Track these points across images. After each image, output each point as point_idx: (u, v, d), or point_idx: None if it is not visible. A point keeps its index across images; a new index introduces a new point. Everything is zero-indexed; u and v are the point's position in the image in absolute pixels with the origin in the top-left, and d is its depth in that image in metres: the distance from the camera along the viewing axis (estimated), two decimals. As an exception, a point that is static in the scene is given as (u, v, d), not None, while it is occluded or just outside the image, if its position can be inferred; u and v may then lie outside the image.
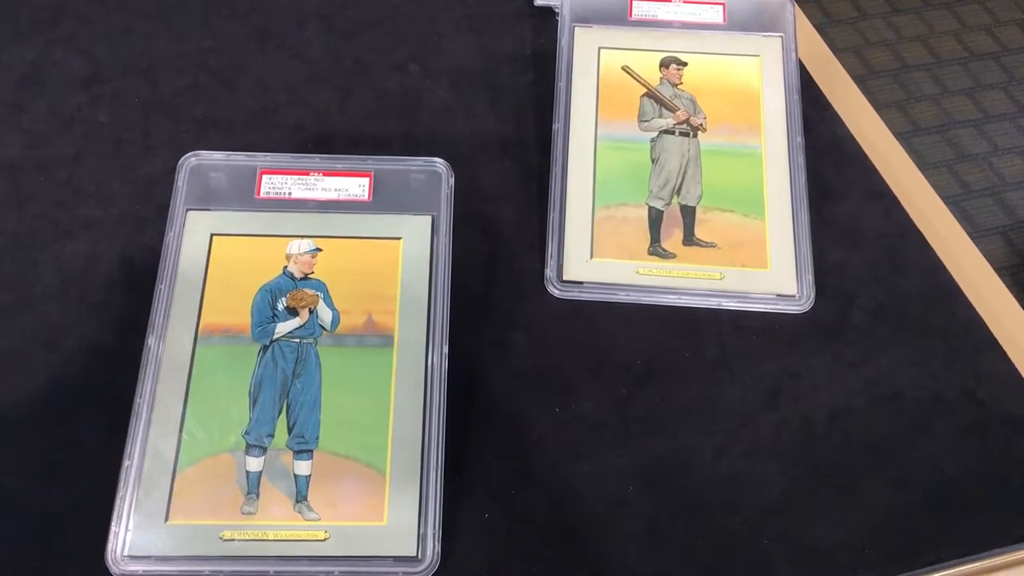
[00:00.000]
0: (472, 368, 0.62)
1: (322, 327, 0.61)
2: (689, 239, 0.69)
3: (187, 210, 0.64)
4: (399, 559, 0.54)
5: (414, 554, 0.54)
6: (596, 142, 0.72)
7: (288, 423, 0.58)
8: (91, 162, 0.71)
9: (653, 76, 0.75)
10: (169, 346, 0.59)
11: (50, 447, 0.58)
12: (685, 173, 0.71)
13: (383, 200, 0.65)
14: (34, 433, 0.58)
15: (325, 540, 0.54)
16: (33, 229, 0.67)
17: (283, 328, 0.60)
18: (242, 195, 0.65)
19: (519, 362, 0.63)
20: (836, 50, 1.79)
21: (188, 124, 0.73)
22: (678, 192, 0.70)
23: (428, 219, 0.65)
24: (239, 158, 0.66)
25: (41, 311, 0.64)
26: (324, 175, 0.66)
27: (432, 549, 0.54)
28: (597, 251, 0.68)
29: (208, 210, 0.64)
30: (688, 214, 0.70)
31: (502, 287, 0.66)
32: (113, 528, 0.54)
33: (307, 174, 0.66)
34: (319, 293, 0.61)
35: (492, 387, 0.62)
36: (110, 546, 0.54)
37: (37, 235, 0.67)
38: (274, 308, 0.61)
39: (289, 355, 0.59)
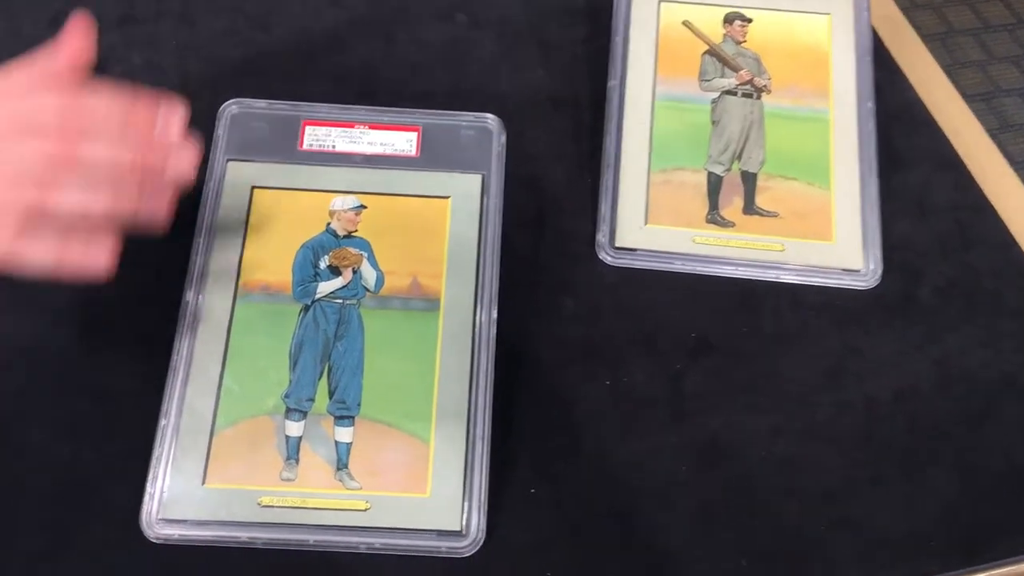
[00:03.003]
0: (519, 335, 0.59)
1: (366, 288, 0.58)
2: (749, 207, 0.65)
3: (227, 160, 0.62)
4: (442, 533, 0.52)
5: (458, 528, 0.52)
6: (654, 101, 0.69)
7: (329, 387, 0.55)
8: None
9: (716, 32, 0.71)
10: (208, 302, 0.57)
11: (82, 400, 0.56)
12: (747, 137, 0.68)
13: (431, 156, 0.62)
14: (66, 384, 0.56)
15: (366, 511, 0.52)
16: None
17: (325, 288, 0.58)
18: (284, 147, 0.62)
19: (568, 330, 0.60)
20: (911, 8, 1.71)
21: (225, 69, 0.70)
22: (739, 157, 0.67)
23: (478, 178, 0.62)
24: (282, 107, 0.64)
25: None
26: (370, 128, 0.63)
27: (477, 524, 0.52)
28: (652, 217, 0.64)
29: (249, 161, 0.62)
30: (749, 181, 0.66)
31: (551, 251, 0.63)
32: (148, 489, 0.52)
33: (352, 127, 0.63)
34: (363, 252, 0.59)
35: (540, 355, 0.59)
36: (145, 507, 0.52)
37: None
38: (316, 267, 0.58)
39: (331, 316, 0.57)
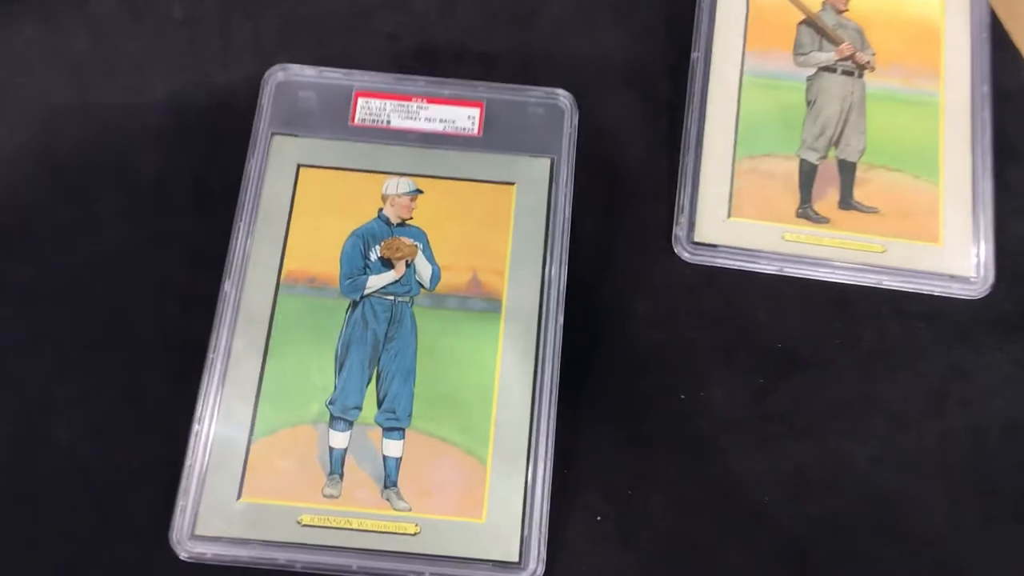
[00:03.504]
0: (585, 340, 0.54)
1: (420, 284, 0.53)
2: (846, 202, 0.58)
3: (272, 134, 0.56)
4: (498, 564, 0.47)
5: (516, 560, 0.47)
6: (741, 77, 0.61)
7: (378, 395, 0.50)
8: (163, 62, 0.62)
9: (814, 0, 0.63)
10: (248, 294, 0.52)
11: (110, 396, 0.52)
12: (846, 121, 0.60)
13: (495, 136, 0.56)
14: (93, 378, 0.52)
15: (416, 535, 0.47)
16: (96, 136, 0.59)
17: (376, 282, 0.52)
18: (334, 120, 0.56)
19: (640, 336, 0.54)
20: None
21: (270, 26, 0.64)
22: (836, 144, 0.60)
23: (547, 162, 0.55)
24: (333, 75, 0.57)
25: (105, 236, 0.56)
26: (428, 102, 0.57)
27: (536, 556, 0.47)
28: (737, 210, 0.58)
29: (295, 136, 0.56)
30: (847, 171, 0.59)
31: (622, 245, 0.57)
32: (180, 503, 0.48)
33: (409, 99, 0.57)
34: (418, 244, 0.53)
35: (608, 365, 0.53)
36: (176, 522, 0.47)
37: (101, 143, 0.59)
38: (366, 257, 0.53)
39: (381, 315, 0.52)
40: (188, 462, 0.49)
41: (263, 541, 0.47)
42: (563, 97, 0.57)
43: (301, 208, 0.54)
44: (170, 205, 0.56)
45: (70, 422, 0.51)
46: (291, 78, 0.57)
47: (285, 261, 0.53)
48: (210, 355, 0.51)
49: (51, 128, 0.59)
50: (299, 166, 0.55)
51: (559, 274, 0.53)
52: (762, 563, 0.49)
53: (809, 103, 0.61)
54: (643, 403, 0.53)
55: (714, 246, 0.57)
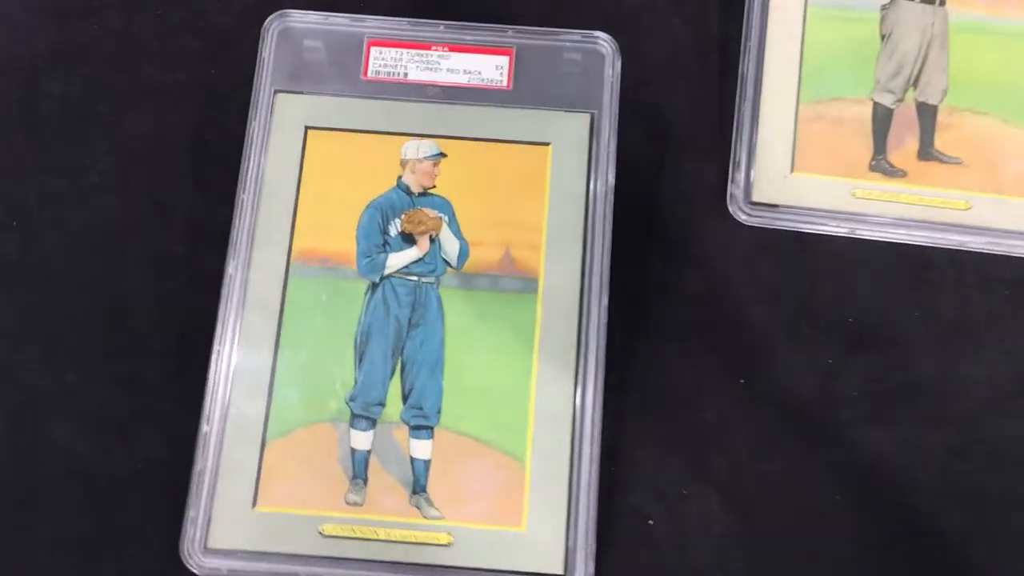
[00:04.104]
0: (632, 318, 0.48)
1: (446, 262, 0.47)
2: (926, 151, 0.52)
3: (275, 91, 0.50)
4: (541, 576, 0.43)
5: (560, 572, 0.43)
6: (806, 7, 0.54)
7: (403, 389, 0.45)
8: (152, 4, 0.55)
9: (890, -85, 0.55)
10: (255, 277, 0.47)
11: (110, 395, 0.47)
12: (925, 57, 0.53)
13: (527, 89, 0.50)
14: (90, 373, 0.47)
15: (449, 546, 0.43)
16: (83, 94, 0.53)
17: (397, 260, 0.47)
18: (345, 74, 0.50)
19: (692, 313, 0.49)
20: None
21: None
22: (915, 83, 0.53)
23: (586, 118, 0.49)
24: (340, 21, 0.51)
25: (96, 206, 0.51)
26: (450, 50, 0.50)
27: (583, 567, 0.43)
28: (800, 163, 0.51)
29: (301, 93, 0.50)
30: (927, 115, 0.52)
31: (670, 208, 0.51)
32: (190, 511, 0.44)
33: (428, 48, 0.50)
34: (443, 216, 0.47)
35: (657, 347, 0.48)
36: (187, 534, 0.43)
37: (88, 102, 0.53)
38: (385, 233, 0.47)
39: (404, 298, 0.46)
40: (197, 466, 0.44)
41: (282, 554, 0.43)
42: (603, 41, 0.50)
43: (310, 177, 0.48)
44: (164, 171, 0.51)
45: (62, 416, 0.47)
46: (294, 24, 0.51)
47: (295, 238, 0.47)
48: (216, 347, 0.46)
49: (31, 81, 0.53)
50: (307, 128, 0.49)
51: (602, 248, 0.47)
52: (833, 569, 0.44)
53: (883, 37, 0.54)
54: (696, 389, 0.47)
55: (775, 206, 0.51)
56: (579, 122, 0.49)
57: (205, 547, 0.43)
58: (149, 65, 0.54)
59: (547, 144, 0.49)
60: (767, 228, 0.51)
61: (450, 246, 0.47)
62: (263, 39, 0.51)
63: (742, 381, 0.48)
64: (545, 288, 0.46)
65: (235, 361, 0.46)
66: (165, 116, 0.52)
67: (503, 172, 0.48)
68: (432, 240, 0.47)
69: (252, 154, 0.49)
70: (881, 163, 0.52)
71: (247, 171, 0.48)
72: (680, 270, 0.50)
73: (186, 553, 0.43)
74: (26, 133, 0.52)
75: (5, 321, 0.49)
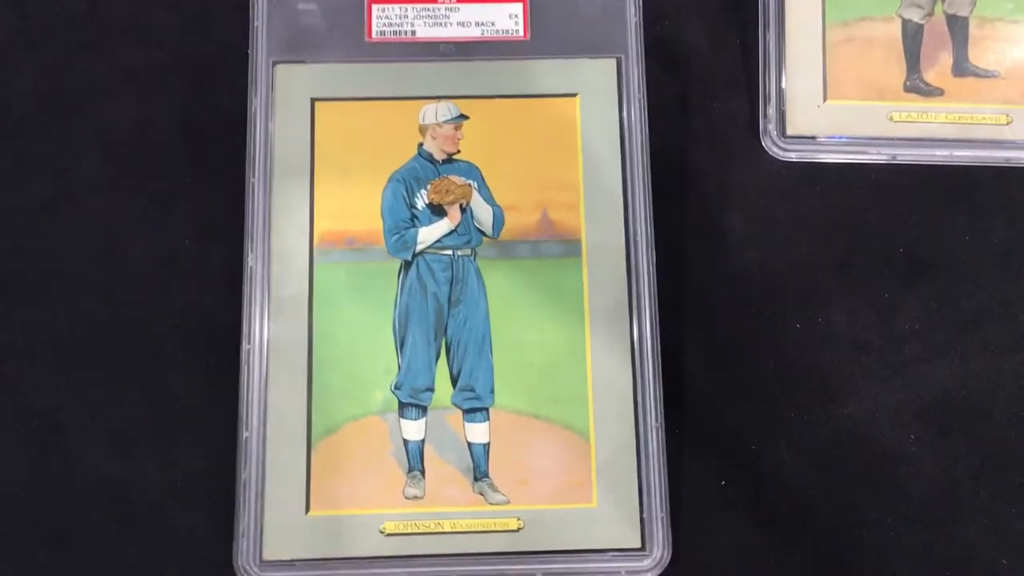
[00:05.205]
0: (677, 272, 0.46)
1: (480, 231, 0.44)
2: (961, 66, 0.50)
3: (273, 63, 0.46)
4: (618, 552, 0.41)
5: (638, 545, 0.41)
6: (823, -76, 0.51)
7: (450, 371, 0.43)
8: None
9: None
10: (277, 267, 0.44)
11: (132, 409, 0.44)
12: (951, -34, 0.50)
13: (546, 37, 0.46)
14: (108, 390, 0.44)
15: (519, 531, 0.41)
16: (56, 84, 0.48)
17: (428, 235, 0.44)
18: (347, 37, 0.46)
19: (737, 257, 0.47)
20: None
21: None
22: (943, -4, 0.50)
23: (611, 63, 0.46)
24: (335, -21, 0.47)
25: (88, 208, 0.47)
26: (458, 1, 0.46)
27: (661, 537, 0.41)
28: (833, 90, 0.49)
29: (302, 62, 0.46)
30: (958, 28, 0.50)
31: (704, 151, 0.48)
32: (240, 524, 0.41)
33: (434, 0, 0.46)
34: (471, 182, 0.44)
35: (706, 297, 0.46)
36: (240, 549, 0.41)
37: (63, 93, 0.48)
38: (412, 206, 0.44)
39: (440, 274, 0.43)
40: (242, 476, 0.41)
41: (343, 559, 0.41)
42: (622, -22, 0.47)
43: (324, 152, 0.45)
44: (156, 161, 0.47)
45: (85, 439, 0.43)
46: (284, -12, 0.47)
47: (315, 222, 0.44)
48: (245, 345, 0.43)
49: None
50: (313, 100, 0.45)
51: (644, 200, 0.44)
52: (914, 511, 0.43)
53: (906, -52, 0.51)
54: (752, 336, 0.45)
55: (811, 137, 0.49)
56: (605, 68, 0.46)
57: (260, 559, 0.41)
58: (123, 47, 0.49)
59: (574, 95, 0.45)
60: (805, 162, 0.48)
61: (483, 214, 0.44)
62: (253, 6, 0.47)
63: (798, 325, 0.46)
64: (589, 249, 0.44)
65: (267, 360, 0.43)
66: (150, 101, 0.48)
67: (531, 129, 0.45)
68: (463, 209, 0.44)
69: (257, 133, 0.45)
70: (916, 82, 0.49)
71: (253, 153, 0.45)
72: (719, 213, 0.47)
73: (241, 568, 0.41)
74: None
75: (11, 341, 0.45)
